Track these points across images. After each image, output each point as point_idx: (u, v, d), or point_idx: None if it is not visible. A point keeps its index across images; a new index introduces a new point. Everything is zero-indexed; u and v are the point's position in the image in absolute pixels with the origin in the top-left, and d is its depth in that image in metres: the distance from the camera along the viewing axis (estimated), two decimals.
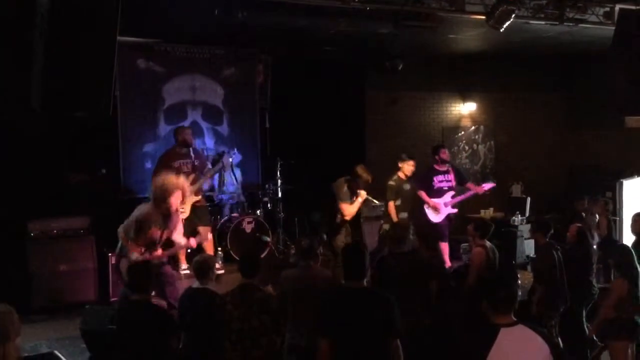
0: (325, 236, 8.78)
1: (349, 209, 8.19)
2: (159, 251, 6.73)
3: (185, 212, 8.01)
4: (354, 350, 4.36)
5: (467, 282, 6.58)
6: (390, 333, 4.42)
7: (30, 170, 8.64)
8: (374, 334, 4.39)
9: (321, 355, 4.40)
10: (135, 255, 6.45)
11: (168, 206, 6.64)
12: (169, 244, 6.92)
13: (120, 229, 6.68)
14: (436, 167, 9.72)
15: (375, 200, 8.93)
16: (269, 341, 4.76)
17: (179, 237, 7.04)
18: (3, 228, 7.43)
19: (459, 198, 9.70)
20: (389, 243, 6.70)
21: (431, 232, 8.68)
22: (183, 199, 7.00)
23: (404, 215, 9.17)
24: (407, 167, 9.31)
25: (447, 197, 9.59)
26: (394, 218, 9.06)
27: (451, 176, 9.73)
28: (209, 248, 8.56)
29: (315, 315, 4.70)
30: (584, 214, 9.22)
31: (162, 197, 6.61)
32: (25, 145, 8.58)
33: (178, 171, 8.50)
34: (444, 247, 9.51)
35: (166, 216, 6.70)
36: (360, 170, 8.27)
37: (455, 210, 9.71)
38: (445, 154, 9.75)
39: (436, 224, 9.50)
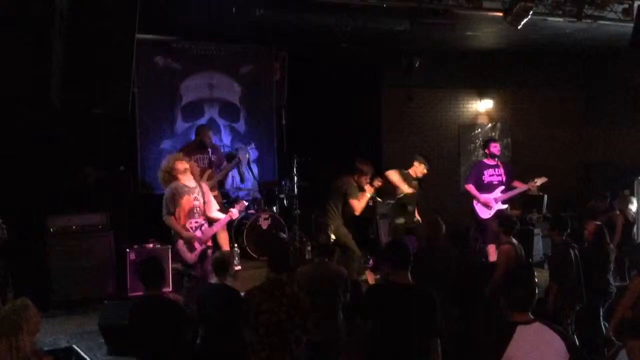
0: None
1: (359, 205, 8.27)
2: (209, 229, 6.83)
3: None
4: (392, 344, 4.40)
5: (492, 280, 6.49)
6: (430, 332, 4.45)
7: (50, 166, 8.70)
8: (413, 331, 4.43)
9: (359, 333, 4.49)
10: (186, 234, 6.65)
11: (177, 173, 6.84)
12: (211, 221, 7.01)
13: (165, 217, 6.77)
14: (485, 161, 9.55)
15: (379, 199, 8.93)
16: (296, 337, 4.77)
17: (217, 213, 7.11)
18: (23, 224, 7.48)
19: (510, 194, 9.46)
20: (423, 239, 6.74)
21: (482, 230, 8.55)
22: (192, 168, 7.09)
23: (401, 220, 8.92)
24: (419, 169, 9.11)
25: (497, 192, 9.38)
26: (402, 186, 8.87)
27: (501, 170, 9.49)
28: (224, 244, 8.58)
29: (356, 303, 4.72)
30: (618, 212, 9.12)
31: (175, 173, 6.83)
32: (44, 141, 8.64)
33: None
34: (491, 248, 8.99)
35: (193, 187, 6.86)
36: (360, 164, 8.35)
37: (505, 207, 9.47)
38: (496, 148, 9.52)
39: (487, 221, 9.17)
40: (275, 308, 4.72)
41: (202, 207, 6.92)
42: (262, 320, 4.72)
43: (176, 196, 6.75)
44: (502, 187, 9.41)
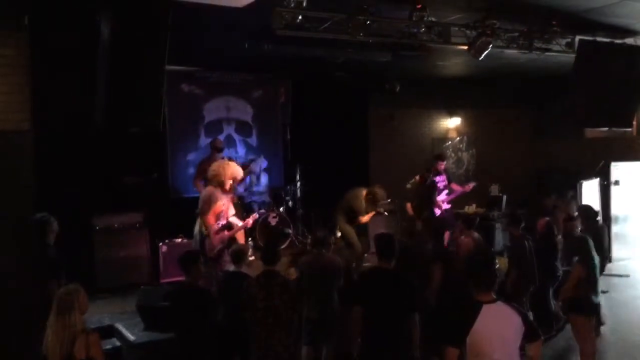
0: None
1: (363, 220, 8.17)
2: (229, 233, 6.71)
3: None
4: (381, 319, 4.42)
5: (455, 267, 6.49)
6: (411, 308, 4.49)
7: (96, 175, 8.69)
8: (397, 307, 4.46)
9: (355, 319, 4.50)
10: (214, 227, 6.50)
11: (225, 187, 6.73)
12: (229, 226, 6.84)
13: (202, 216, 6.64)
14: (433, 169, 9.66)
15: (384, 210, 8.93)
16: (289, 318, 4.77)
17: (233, 218, 7.01)
18: (74, 222, 7.46)
19: (453, 195, 9.64)
20: (405, 235, 6.75)
21: (439, 224, 8.58)
22: (236, 179, 6.97)
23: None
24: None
25: (444, 194, 9.52)
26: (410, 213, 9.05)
27: (444, 177, 9.67)
28: (241, 238, 8.53)
29: (349, 288, 4.92)
30: (561, 208, 9.11)
31: (220, 181, 6.70)
32: (91, 155, 8.63)
33: None
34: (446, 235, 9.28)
35: (223, 195, 6.75)
36: (377, 189, 8.15)
37: (449, 206, 9.62)
38: (442, 166, 9.68)
39: (440, 216, 9.40)
40: (269, 295, 4.74)
41: (226, 212, 6.85)
42: (260, 306, 4.73)
43: (212, 202, 6.65)
44: (447, 190, 9.59)
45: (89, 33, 5.36)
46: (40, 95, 5.65)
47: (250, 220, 7.06)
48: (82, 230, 8.11)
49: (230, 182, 6.80)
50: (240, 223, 6.96)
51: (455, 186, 9.84)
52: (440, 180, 9.61)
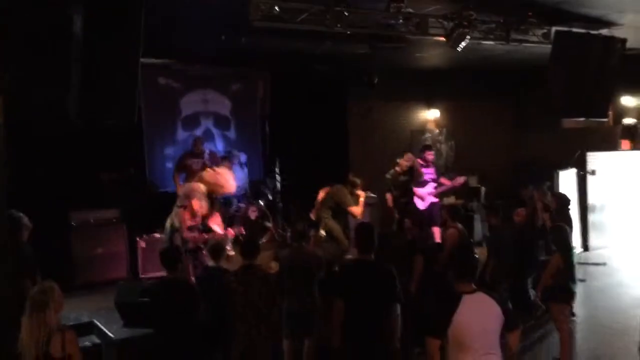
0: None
1: (358, 210, 7.75)
2: (204, 236, 6.66)
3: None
4: (363, 310, 4.41)
5: (441, 257, 6.52)
6: (391, 298, 4.48)
7: (72, 170, 8.55)
8: (378, 298, 4.45)
9: (337, 311, 4.47)
10: (187, 223, 6.45)
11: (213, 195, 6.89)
12: (209, 230, 6.83)
13: (178, 210, 6.59)
14: (420, 161, 9.51)
15: (372, 195, 8.86)
16: (268, 312, 4.76)
17: (216, 227, 6.98)
18: (49, 218, 7.35)
19: (440, 189, 9.54)
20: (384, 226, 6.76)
21: (423, 216, 8.56)
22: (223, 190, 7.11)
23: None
24: (404, 163, 9.25)
25: (430, 187, 9.44)
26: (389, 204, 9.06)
27: (432, 169, 9.57)
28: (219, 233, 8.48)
29: (333, 280, 4.88)
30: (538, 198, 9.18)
31: (210, 192, 6.85)
32: (67, 150, 8.49)
33: (189, 168, 8.60)
34: (436, 230, 9.02)
35: (203, 194, 6.74)
36: (352, 177, 8.07)
37: (436, 200, 9.53)
38: (430, 156, 9.58)
39: (426, 209, 9.30)
40: (248, 290, 4.75)
41: (202, 211, 6.77)
42: (239, 301, 4.71)
43: (192, 197, 6.60)
44: (434, 184, 9.49)
45: (61, 25, 5.24)
46: (13, 88, 5.52)
47: (231, 231, 7.11)
48: (59, 226, 8.00)
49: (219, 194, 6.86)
50: (220, 230, 6.99)
51: (444, 180, 9.71)
52: (428, 173, 9.51)
